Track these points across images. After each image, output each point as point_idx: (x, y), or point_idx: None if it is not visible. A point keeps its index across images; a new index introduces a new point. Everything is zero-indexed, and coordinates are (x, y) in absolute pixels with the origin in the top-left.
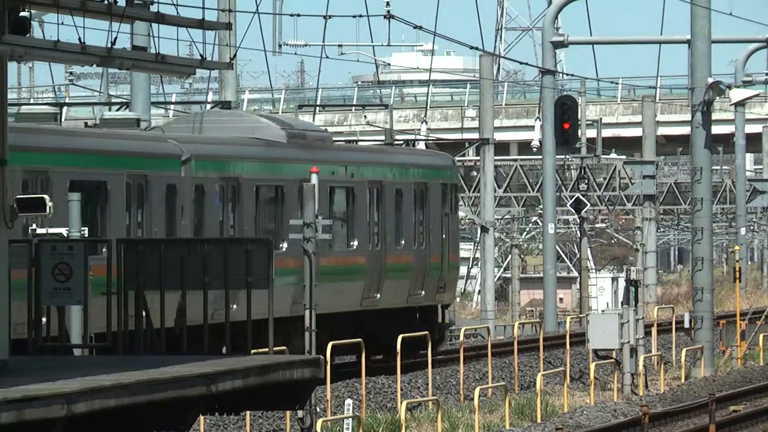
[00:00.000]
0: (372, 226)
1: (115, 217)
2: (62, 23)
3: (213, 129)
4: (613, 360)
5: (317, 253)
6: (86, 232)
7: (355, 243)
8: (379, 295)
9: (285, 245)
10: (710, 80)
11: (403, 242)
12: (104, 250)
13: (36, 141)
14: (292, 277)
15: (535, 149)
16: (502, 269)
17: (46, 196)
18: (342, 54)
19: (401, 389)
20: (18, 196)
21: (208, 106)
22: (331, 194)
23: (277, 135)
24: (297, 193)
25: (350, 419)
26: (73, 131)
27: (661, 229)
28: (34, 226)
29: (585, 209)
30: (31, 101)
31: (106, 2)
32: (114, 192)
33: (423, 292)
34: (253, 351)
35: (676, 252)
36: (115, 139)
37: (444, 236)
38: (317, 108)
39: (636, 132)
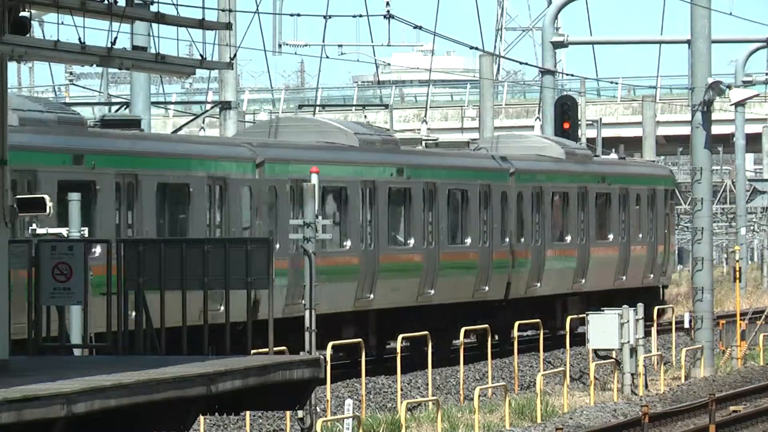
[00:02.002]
0: (620, 223)
1: (472, 215)
2: (62, 23)
3: (508, 148)
4: (613, 360)
5: (588, 245)
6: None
7: (611, 236)
8: (624, 278)
9: (569, 237)
10: (710, 80)
11: (640, 236)
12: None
13: (429, 161)
14: (573, 262)
15: None
16: None
17: (46, 196)
18: (342, 54)
19: (401, 389)
20: (18, 196)
21: (208, 106)
22: (596, 199)
23: (558, 153)
24: (576, 197)
25: (350, 419)
26: (450, 152)
27: None
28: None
29: None
30: None
31: (106, 2)
32: (472, 197)
33: (651, 275)
34: (253, 351)
35: (676, 252)
36: (472, 158)
37: (665, 231)
38: (317, 108)
39: (636, 132)
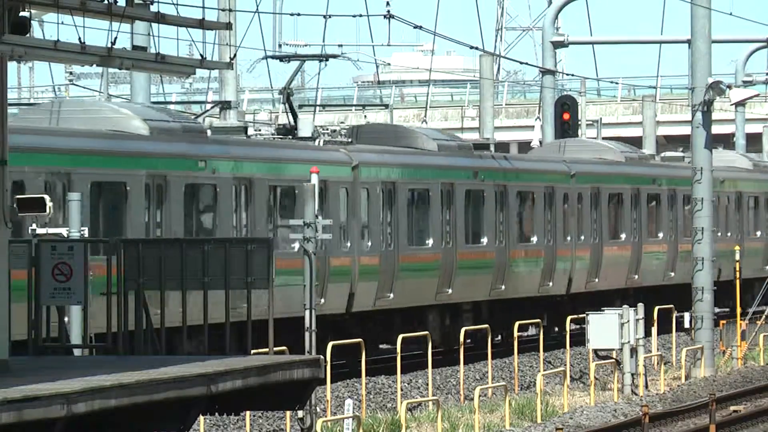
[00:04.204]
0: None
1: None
2: (62, 23)
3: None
4: (613, 360)
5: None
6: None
7: (761, 233)
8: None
9: (759, 233)
10: (710, 80)
11: None
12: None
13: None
14: (761, 252)
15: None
16: None
17: (46, 196)
18: (342, 54)
19: (401, 389)
20: (19, 196)
21: (208, 106)
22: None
23: (747, 164)
24: (764, 201)
25: (350, 419)
26: (681, 165)
27: None
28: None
29: None
30: (31, 101)
31: (106, 2)
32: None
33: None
34: (253, 351)
35: None
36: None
37: None
38: (317, 108)
39: (636, 132)
